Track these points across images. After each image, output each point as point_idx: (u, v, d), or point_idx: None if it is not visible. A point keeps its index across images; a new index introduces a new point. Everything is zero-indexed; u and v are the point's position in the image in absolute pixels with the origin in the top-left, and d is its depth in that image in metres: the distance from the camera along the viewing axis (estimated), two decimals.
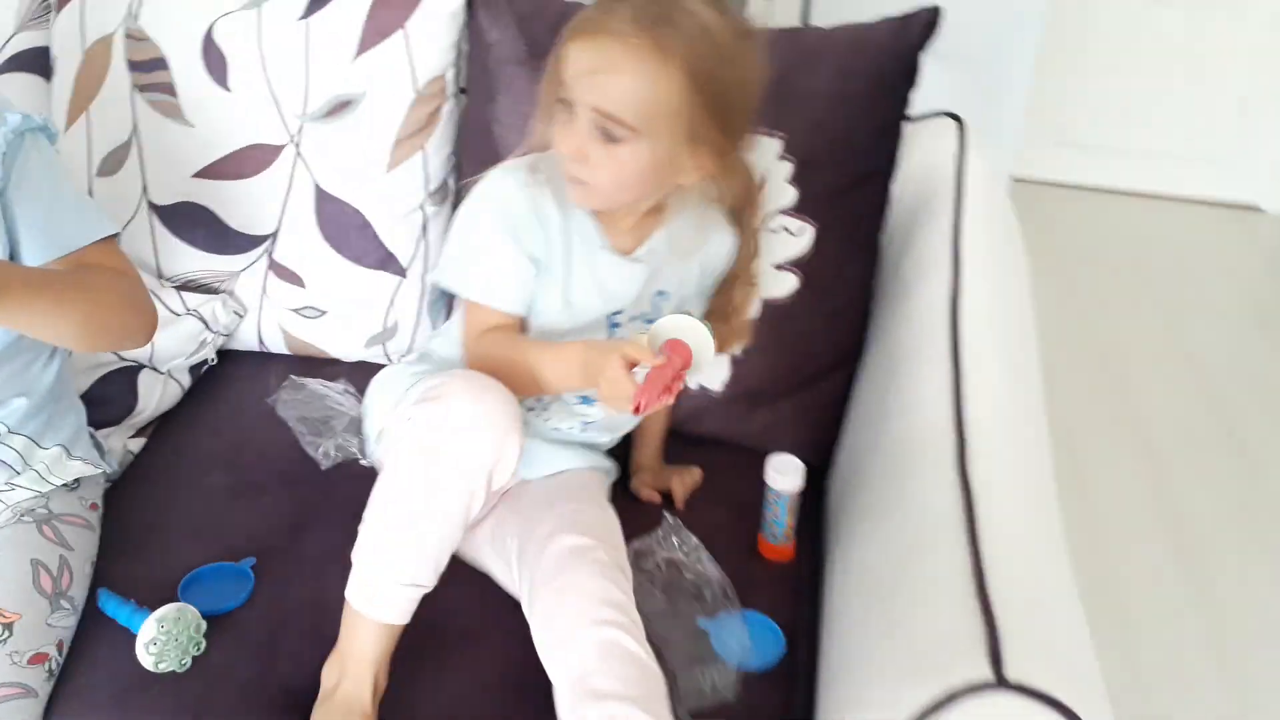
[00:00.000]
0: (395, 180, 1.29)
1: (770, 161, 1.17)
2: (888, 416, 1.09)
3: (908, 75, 1.18)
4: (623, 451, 1.21)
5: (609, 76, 0.91)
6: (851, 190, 1.19)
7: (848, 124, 1.17)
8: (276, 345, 1.39)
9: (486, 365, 0.98)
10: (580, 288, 1.03)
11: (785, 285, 1.20)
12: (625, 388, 0.88)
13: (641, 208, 1.02)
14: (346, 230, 1.31)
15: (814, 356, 1.23)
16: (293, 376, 1.32)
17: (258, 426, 1.27)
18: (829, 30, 1.19)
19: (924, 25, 1.16)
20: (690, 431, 1.27)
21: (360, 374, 1.31)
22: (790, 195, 1.18)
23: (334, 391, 1.30)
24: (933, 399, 1.01)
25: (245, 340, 1.39)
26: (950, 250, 1.16)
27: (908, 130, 1.21)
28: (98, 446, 1.15)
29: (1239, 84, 2.95)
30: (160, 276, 1.34)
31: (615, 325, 1.08)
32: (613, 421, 1.14)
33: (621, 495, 1.16)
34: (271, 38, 1.26)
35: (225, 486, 1.18)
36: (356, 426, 1.23)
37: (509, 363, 0.98)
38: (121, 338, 1.01)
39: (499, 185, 1.02)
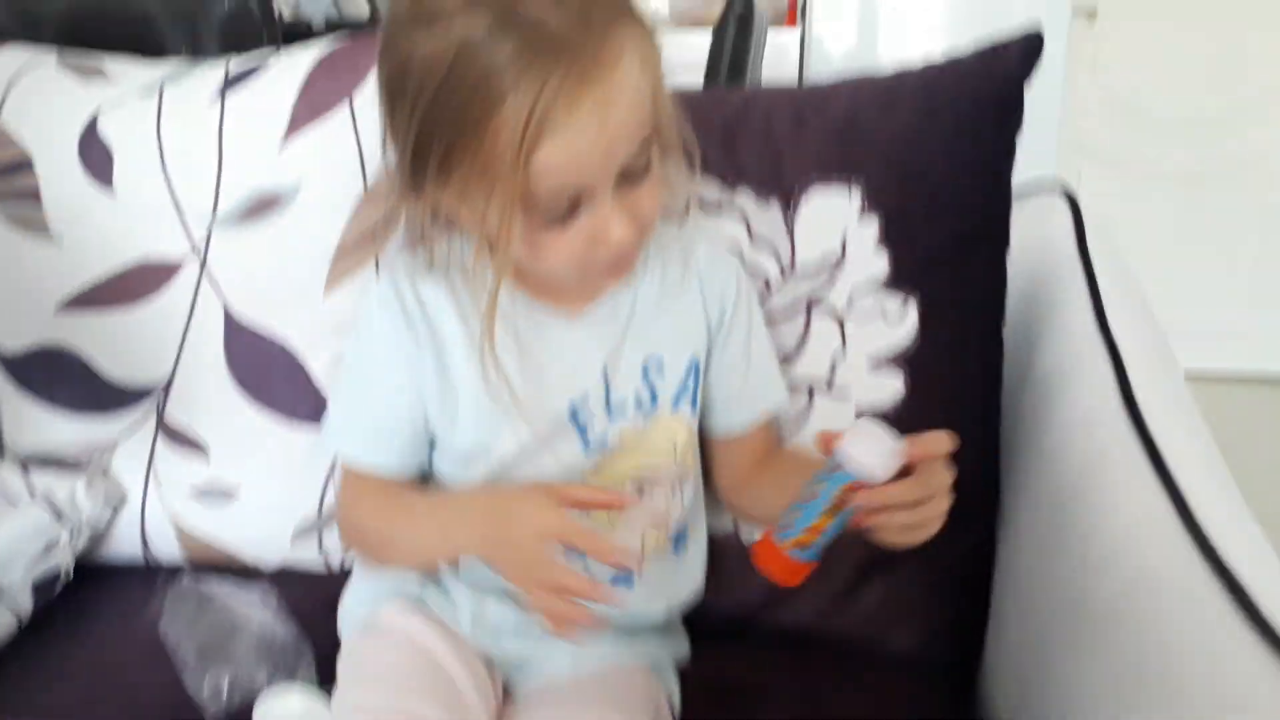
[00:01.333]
0: (337, 303, 0.95)
1: (847, 218, 0.86)
2: (1081, 573, 0.71)
3: (1009, 111, 0.90)
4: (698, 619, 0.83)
5: (625, 118, 0.63)
6: (959, 254, 0.88)
7: (943, 170, 0.87)
8: (166, 549, 0.99)
9: (366, 544, 0.78)
10: (518, 384, 0.72)
11: (886, 389, 0.86)
12: (547, 572, 0.63)
13: None
14: (268, 373, 0.95)
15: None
16: (186, 577, 0.91)
17: (132, 662, 0.86)
18: (905, 72, 0.92)
19: (1024, 53, 0.90)
20: (753, 627, 0.88)
21: (287, 587, 0.92)
22: (881, 262, 0.86)
23: (242, 599, 0.89)
24: (1157, 538, 0.65)
25: (121, 544, 0.99)
26: (1102, 344, 0.84)
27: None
28: None
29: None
30: (1, 451, 0.96)
31: (582, 426, 0.75)
32: (666, 575, 0.76)
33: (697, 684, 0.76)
34: (173, 123, 0.96)
35: None
36: (267, 649, 0.82)
37: (388, 541, 0.76)
38: None
39: (364, 303, 0.79)
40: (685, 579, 0.81)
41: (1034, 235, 1.03)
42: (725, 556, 0.87)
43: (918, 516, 0.65)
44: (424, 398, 0.74)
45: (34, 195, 0.95)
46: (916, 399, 0.86)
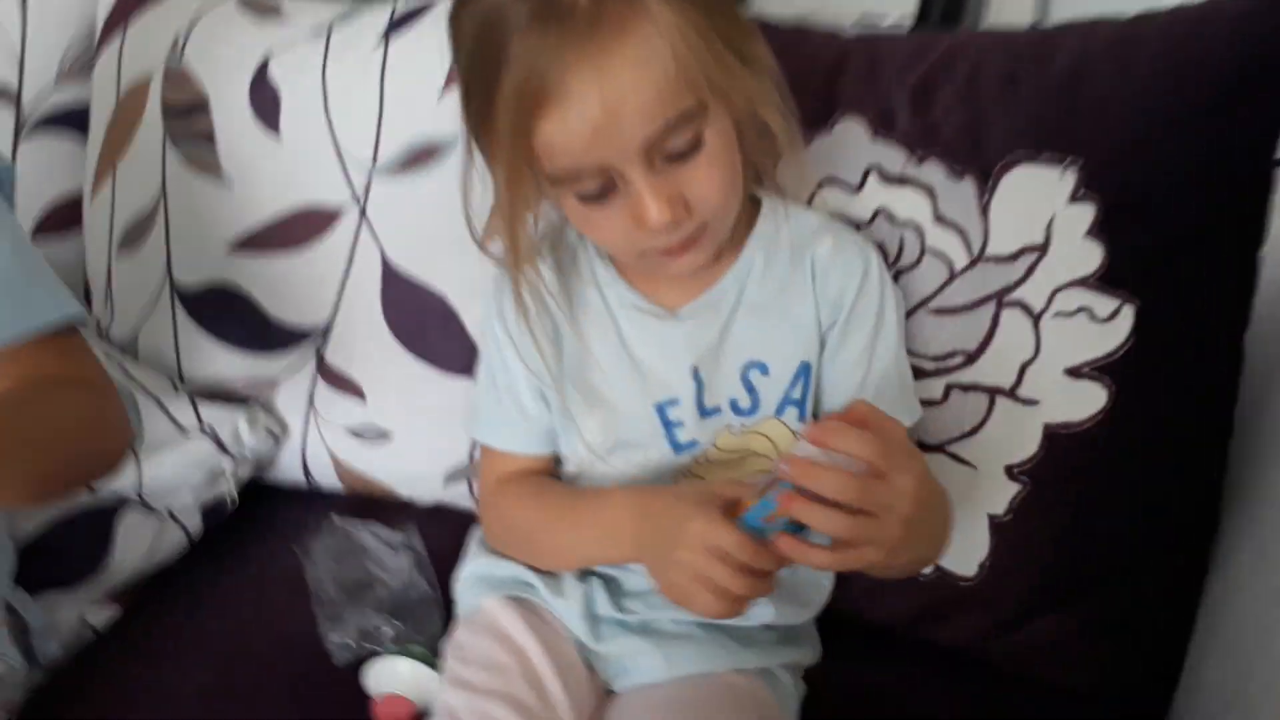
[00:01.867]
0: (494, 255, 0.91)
1: (1055, 202, 0.74)
2: None
3: (1272, 78, 0.74)
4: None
5: (635, 92, 0.58)
6: (1194, 252, 0.74)
7: (1186, 148, 0.73)
8: (327, 479, 1.02)
9: (510, 539, 0.76)
10: (602, 377, 0.72)
11: (1085, 401, 0.74)
12: (716, 572, 0.58)
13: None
14: (424, 323, 0.94)
15: (1137, 527, 0.75)
16: (334, 517, 0.93)
17: (280, 594, 0.88)
18: (1149, 15, 0.77)
19: None
20: (908, 641, 0.80)
21: (437, 524, 0.92)
22: (1094, 256, 0.73)
23: (386, 545, 0.90)
24: None
25: (285, 471, 1.03)
26: None
27: None
28: (18, 627, 0.77)
29: None
30: (180, 381, 1.00)
31: (672, 426, 0.71)
32: (796, 581, 0.72)
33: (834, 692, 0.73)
34: (338, 68, 0.93)
35: (202, 691, 0.79)
36: (400, 605, 0.82)
37: (532, 538, 0.74)
38: (76, 479, 0.71)
39: (492, 295, 0.77)
40: (803, 587, 0.75)
41: None
42: None
43: (846, 526, 0.55)
44: (531, 384, 0.74)
45: (209, 136, 0.96)
46: (1121, 415, 0.74)
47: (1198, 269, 0.73)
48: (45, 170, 1.10)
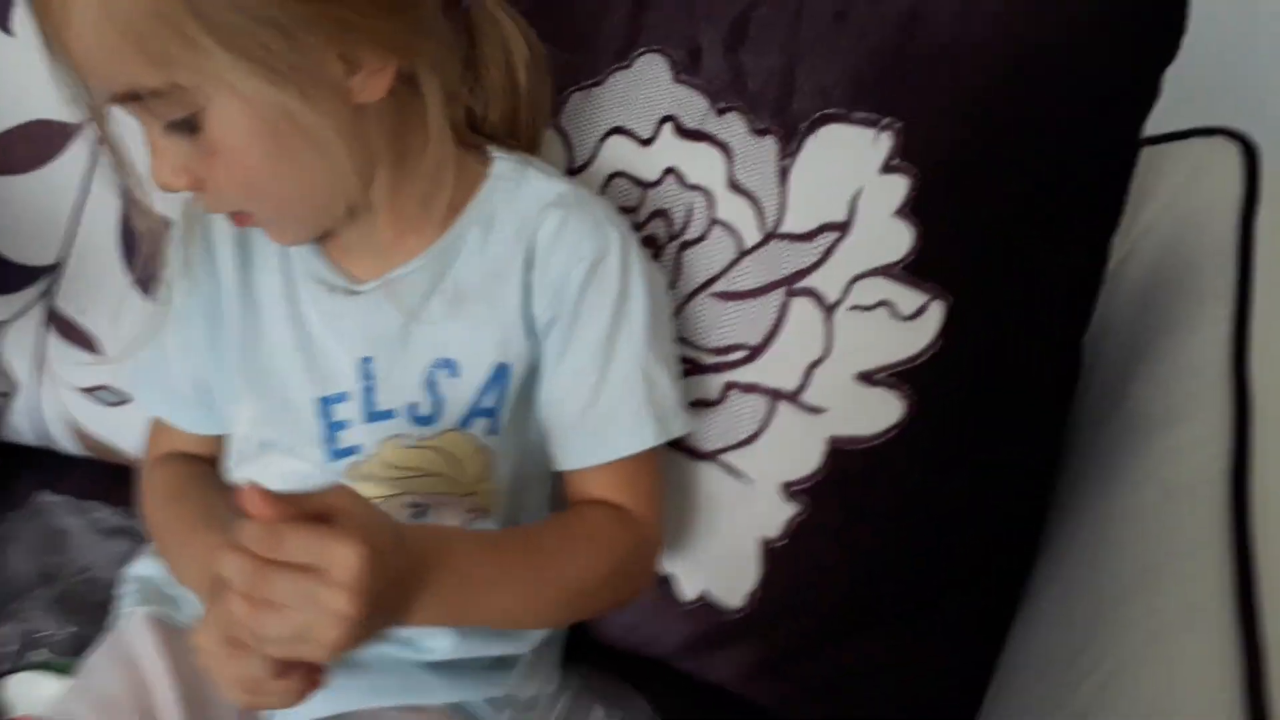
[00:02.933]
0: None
1: (863, 173, 0.62)
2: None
3: (1166, 21, 0.62)
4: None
5: (76, 47, 0.47)
6: (1026, 242, 0.62)
7: (1025, 114, 0.61)
8: (65, 441, 0.88)
9: (151, 523, 0.64)
10: (268, 358, 0.60)
11: (878, 413, 0.63)
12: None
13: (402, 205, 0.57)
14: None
15: (934, 557, 0.64)
16: (44, 495, 0.80)
17: None
18: None
19: None
20: (689, 680, 0.69)
21: None
22: (902, 240, 0.62)
23: (97, 531, 0.77)
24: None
25: (20, 431, 0.89)
26: (1229, 384, 0.58)
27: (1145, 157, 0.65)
28: None
29: None
30: None
31: (335, 427, 0.60)
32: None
33: None
34: None
35: None
36: (86, 601, 0.70)
37: (159, 543, 0.64)
38: None
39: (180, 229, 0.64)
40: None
41: (1177, 207, 0.75)
42: None
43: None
44: (200, 343, 0.64)
45: None
46: (919, 431, 0.63)
47: (1028, 261, 0.62)
48: None
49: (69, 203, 0.81)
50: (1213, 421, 0.58)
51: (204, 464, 0.66)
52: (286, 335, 0.60)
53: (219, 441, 0.66)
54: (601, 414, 0.58)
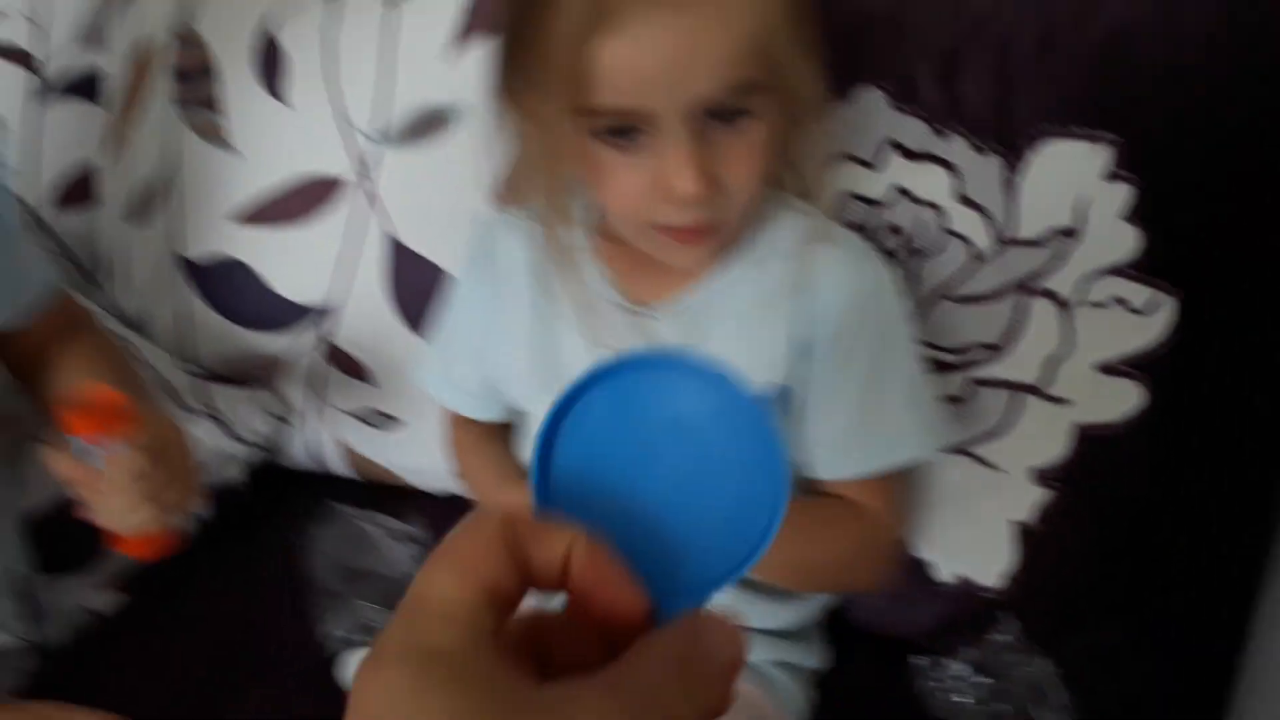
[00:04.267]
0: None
1: (1089, 182, 0.68)
2: None
3: None
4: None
5: (711, 37, 0.54)
6: (1245, 240, 0.67)
7: (1241, 119, 0.66)
8: (337, 465, 1.00)
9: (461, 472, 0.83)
10: (567, 363, 0.69)
11: (1118, 400, 0.69)
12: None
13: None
14: (434, 303, 0.91)
15: (1181, 535, 0.70)
16: (337, 505, 0.91)
17: (280, 583, 0.87)
18: None
19: None
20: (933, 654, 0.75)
21: (451, 516, 0.89)
22: (1130, 242, 0.67)
23: (389, 536, 0.88)
24: None
25: (295, 457, 1.01)
26: None
27: None
28: (30, 604, 0.77)
29: None
30: (187, 361, 0.99)
31: None
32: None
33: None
34: (349, 32, 0.90)
35: (198, 679, 0.78)
36: (398, 595, 0.80)
37: (471, 483, 0.82)
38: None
39: (472, 247, 0.78)
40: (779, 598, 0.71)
41: None
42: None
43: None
44: (486, 351, 0.75)
45: (216, 103, 0.94)
46: (1159, 416, 0.68)
47: (1248, 257, 0.67)
48: (60, 140, 1.09)
49: (337, 249, 0.92)
50: None
51: (492, 426, 0.80)
52: (580, 348, 0.68)
53: (499, 425, 0.80)
54: (880, 429, 0.65)
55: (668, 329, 0.67)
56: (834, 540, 0.65)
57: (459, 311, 0.78)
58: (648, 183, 0.58)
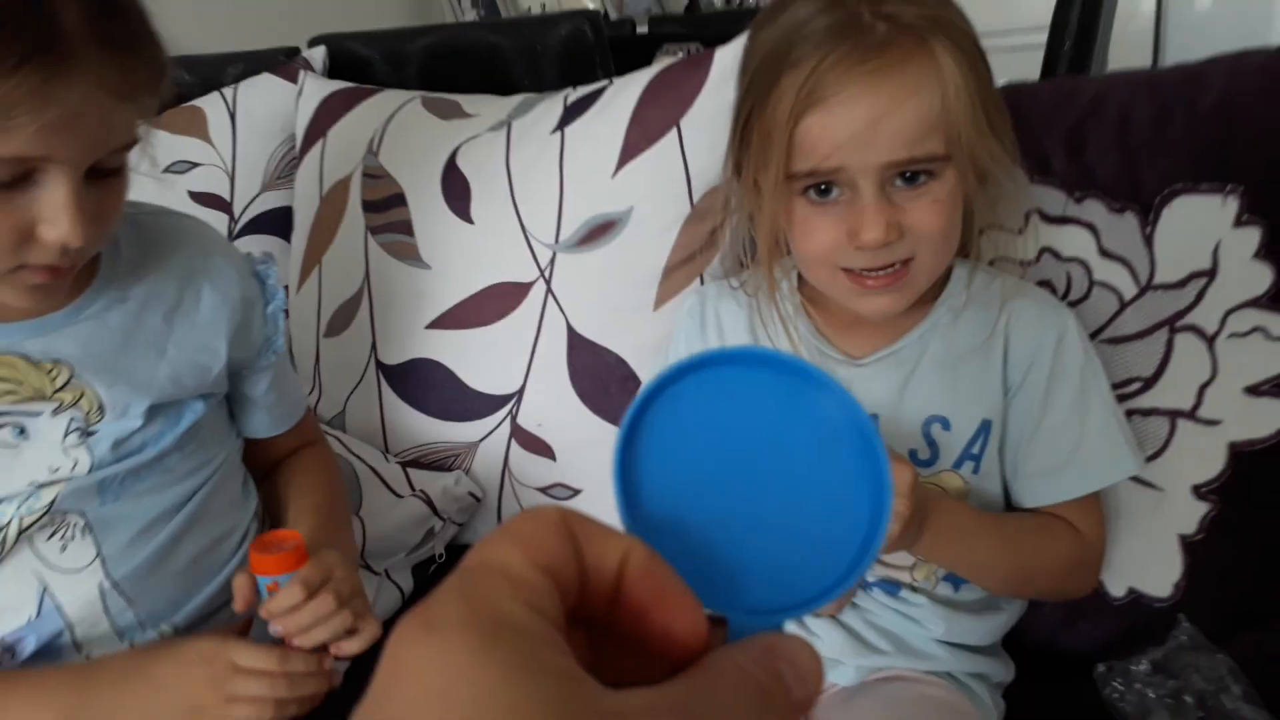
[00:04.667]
0: (665, 318, 0.99)
1: (1220, 229, 0.77)
2: None
3: None
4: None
5: (898, 114, 0.64)
6: None
7: None
8: None
9: None
10: None
11: (1268, 418, 0.76)
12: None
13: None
14: (605, 383, 1.01)
15: None
16: None
17: None
18: None
19: None
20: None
21: None
22: (1264, 277, 0.76)
23: None
24: None
25: (485, 529, 1.10)
26: None
27: None
28: None
29: None
30: (387, 451, 1.10)
31: None
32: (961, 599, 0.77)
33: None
34: (521, 156, 1.04)
35: None
36: None
37: None
38: None
39: (678, 321, 0.90)
40: (971, 603, 0.78)
41: None
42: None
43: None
44: None
45: (407, 226, 1.07)
46: None
47: None
48: None
49: (528, 342, 1.03)
50: None
51: None
52: None
53: None
54: (1085, 457, 0.73)
55: (876, 376, 0.76)
56: (1042, 548, 0.73)
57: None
58: (841, 231, 0.69)
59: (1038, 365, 0.73)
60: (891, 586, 0.77)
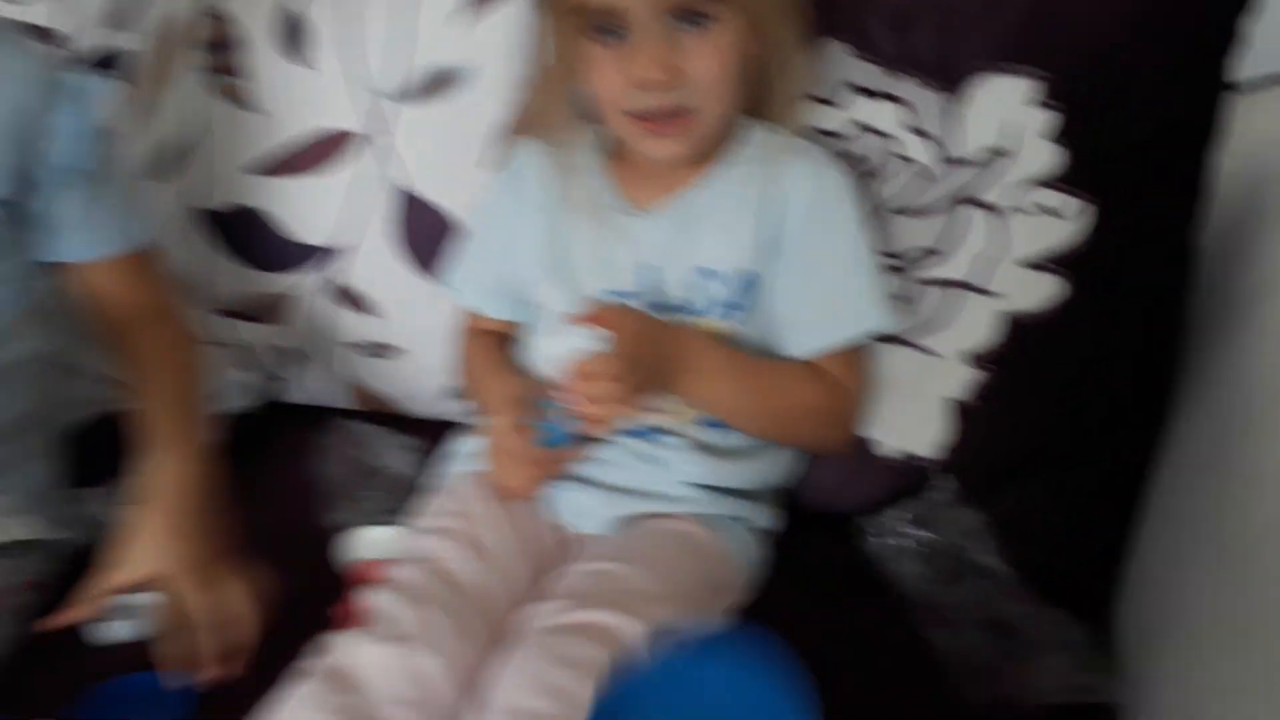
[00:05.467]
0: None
1: (1022, 111, 0.80)
2: (1242, 502, 0.65)
3: None
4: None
5: None
6: (1151, 155, 0.80)
7: (1142, 59, 0.80)
8: (342, 396, 1.08)
9: (466, 371, 0.93)
10: (576, 267, 0.81)
11: (1043, 292, 0.81)
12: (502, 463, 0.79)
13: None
14: (436, 242, 1.00)
15: (1091, 407, 0.81)
16: (339, 419, 1.00)
17: (285, 494, 0.94)
18: None
19: None
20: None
21: (422, 435, 0.99)
22: (1055, 159, 0.80)
23: (397, 446, 0.96)
24: None
25: (302, 387, 1.08)
26: None
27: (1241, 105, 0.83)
28: (60, 509, 0.84)
29: None
30: (203, 299, 1.07)
31: None
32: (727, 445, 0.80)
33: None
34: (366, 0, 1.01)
35: None
36: (397, 492, 0.89)
37: (474, 379, 0.91)
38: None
39: (500, 164, 0.90)
40: (736, 449, 0.81)
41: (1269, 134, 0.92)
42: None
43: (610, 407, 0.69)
44: (512, 254, 0.85)
45: (240, 68, 1.04)
46: (1077, 305, 0.80)
47: (1155, 171, 0.80)
48: None
49: (356, 194, 1.01)
50: None
51: (503, 337, 0.90)
52: (585, 242, 0.80)
53: (516, 325, 0.89)
54: (839, 308, 0.77)
55: (655, 226, 0.79)
56: (799, 393, 0.77)
57: (487, 217, 0.89)
58: (621, 70, 0.71)
59: (804, 220, 0.76)
60: (643, 431, 0.79)
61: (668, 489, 0.78)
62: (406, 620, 0.66)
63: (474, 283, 0.91)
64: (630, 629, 0.64)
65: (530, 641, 0.65)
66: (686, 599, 0.70)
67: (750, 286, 0.78)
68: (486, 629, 0.68)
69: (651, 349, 0.70)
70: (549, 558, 0.78)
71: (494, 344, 0.90)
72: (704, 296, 0.78)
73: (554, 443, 0.75)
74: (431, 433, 0.98)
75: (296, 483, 0.94)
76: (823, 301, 0.77)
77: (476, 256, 0.90)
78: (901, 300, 0.83)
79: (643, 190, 0.80)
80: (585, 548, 0.77)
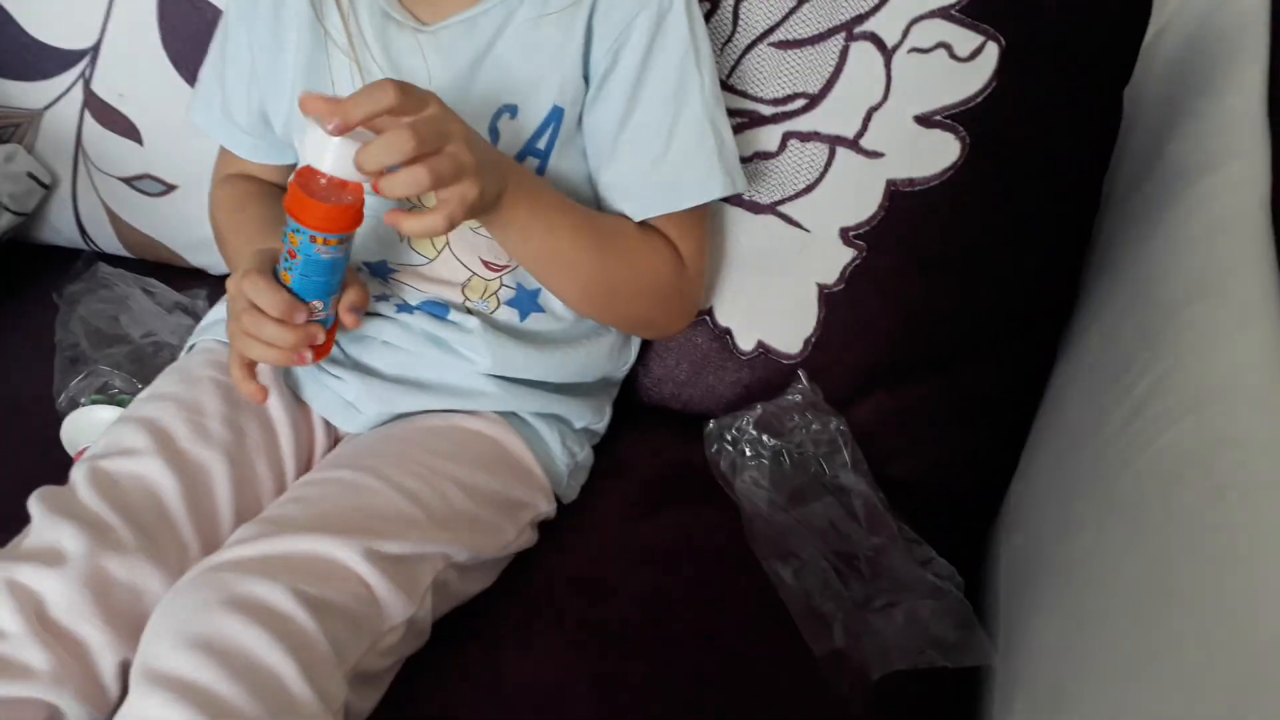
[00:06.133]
0: None
1: None
2: (1144, 416, 0.52)
3: None
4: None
5: None
6: None
7: None
8: (106, 239, 0.89)
9: (216, 229, 0.72)
10: (336, 85, 0.62)
11: (935, 154, 0.65)
12: (253, 326, 0.55)
13: None
14: (206, 47, 0.79)
15: (982, 300, 0.67)
16: (103, 266, 0.81)
17: (26, 349, 0.78)
18: None
19: None
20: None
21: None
22: None
23: (158, 304, 0.79)
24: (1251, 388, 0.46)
25: (59, 228, 0.89)
26: (1265, 131, 0.60)
27: None
28: None
29: None
30: None
31: None
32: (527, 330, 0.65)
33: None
34: None
35: None
36: (149, 361, 0.72)
37: (226, 239, 0.70)
38: None
39: None
40: (540, 336, 0.66)
41: None
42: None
43: (424, 173, 0.49)
44: (257, 75, 0.66)
45: None
46: (974, 172, 0.65)
47: (1075, 9, 0.63)
48: None
49: None
50: (1251, 164, 0.60)
51: (264, 184, 0.71)
52: (352, 68, 0.61)
53: (280, 169, 0.70)
54: (673, 166, 0.60)
55: (447, 46, 0.60)
56: (638, 259, 0.61)
57: (233, 33, 0.67)
58: None
59: (629, 48, 0.58)
60: (440, 308, 0.63)
61: (461, 380, 0.63)
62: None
63: (224, 116, 0.70)
64: (360, 566, 0.50)
65: (195, 578, 0.49)
66: (458, 522, 0.56)
67: (555, 127, 0.60)
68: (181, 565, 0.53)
69: (464, 130, 0.52)
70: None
71: (251, 194, 0.70)
72: (499, 139, 0.60)
73: (308, 299, 0.55)
74: (216, 291, 0.81)
75: (38, 342, 0.77)
76: (647, 158, 0.60)
77: (223, 80, 0.69)
78: (769, 158, 0.67)
79: (427, 3, 0.60)
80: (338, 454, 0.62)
